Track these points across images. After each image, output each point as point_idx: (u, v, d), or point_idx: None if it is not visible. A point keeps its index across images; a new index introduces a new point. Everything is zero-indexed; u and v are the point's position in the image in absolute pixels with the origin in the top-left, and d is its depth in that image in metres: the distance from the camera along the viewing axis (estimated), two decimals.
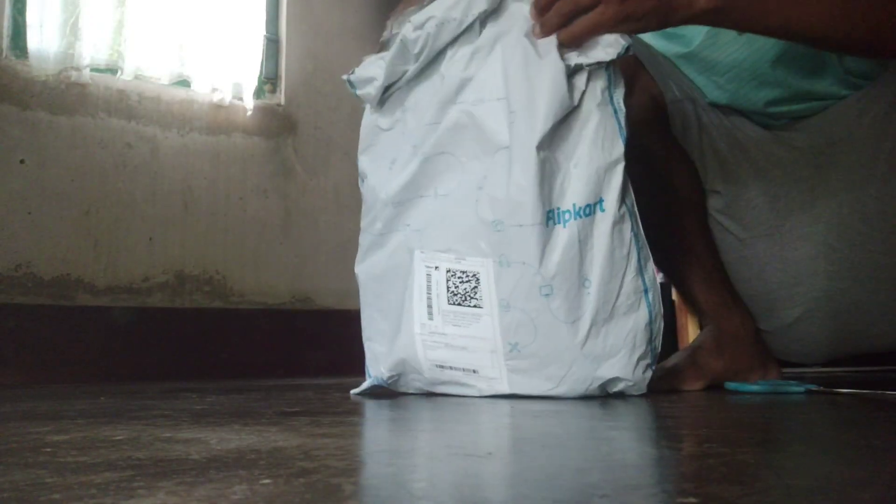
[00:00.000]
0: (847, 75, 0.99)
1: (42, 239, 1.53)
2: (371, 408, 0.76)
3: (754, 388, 0.94)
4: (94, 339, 1.53)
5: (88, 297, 1.56)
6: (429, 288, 0.86)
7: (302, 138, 1.87)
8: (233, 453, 0.43)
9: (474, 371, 0.84)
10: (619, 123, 0.85)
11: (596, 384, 0.81)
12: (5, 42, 1.56)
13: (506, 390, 0.83)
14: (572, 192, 0.82)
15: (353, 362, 1.78)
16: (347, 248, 1.99)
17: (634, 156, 0.97)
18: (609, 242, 0.82)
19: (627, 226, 0.84)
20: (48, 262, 1.53)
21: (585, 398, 0.81)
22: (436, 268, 0.86)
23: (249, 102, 1.77)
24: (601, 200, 0.83)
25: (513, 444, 0.45)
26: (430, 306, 0.86)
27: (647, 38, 1.08)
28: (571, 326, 0.80)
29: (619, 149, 0.84)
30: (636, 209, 0.86)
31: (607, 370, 0.81)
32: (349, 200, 1.91)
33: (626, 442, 0.45)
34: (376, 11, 2.00)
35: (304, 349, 1.75)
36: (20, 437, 0.52)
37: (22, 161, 1.53)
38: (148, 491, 0.32)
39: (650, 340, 0.84)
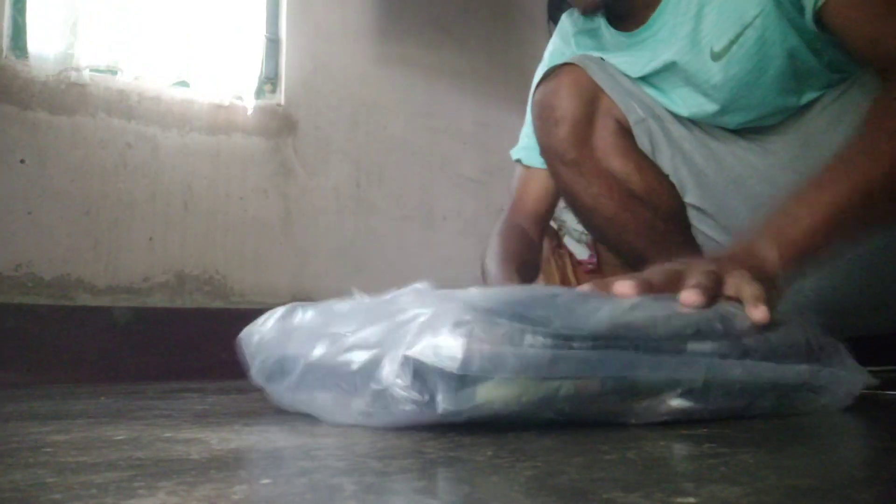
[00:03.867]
0: (832, 75, 0.96)
1: (42, 239, 1.53)
2: None
3: None
4: (94, 339, 1.53)
5: (88, 297, 1.56)
6: None
7: (302, 138, 1.87)
8: (233, 453, 0.43)
9: None
10: None
11: None
12: (5, 42, 1.56)
13: None
14: None
15: None
16: (347, 248, 1.99)
17: (608, 183, 0.98)
18: None
19: None
20: (48, 262, 1.53)
21: None
22: None
23: (249, 102, 1.77)
24: None
25: (513, 443, 0.45)
26: None
27: (615, 56, 1.03)
28: None
29: None
30: None
31: None
32: (349, 200, 1.91)
33: (625, 441, 0.45)
34: (376, 11, 2.00)
35: None
36: (20, 437, 0.52)
37: (22, 161, 1.53)
38: (148, 491, 0.32)
39: None
